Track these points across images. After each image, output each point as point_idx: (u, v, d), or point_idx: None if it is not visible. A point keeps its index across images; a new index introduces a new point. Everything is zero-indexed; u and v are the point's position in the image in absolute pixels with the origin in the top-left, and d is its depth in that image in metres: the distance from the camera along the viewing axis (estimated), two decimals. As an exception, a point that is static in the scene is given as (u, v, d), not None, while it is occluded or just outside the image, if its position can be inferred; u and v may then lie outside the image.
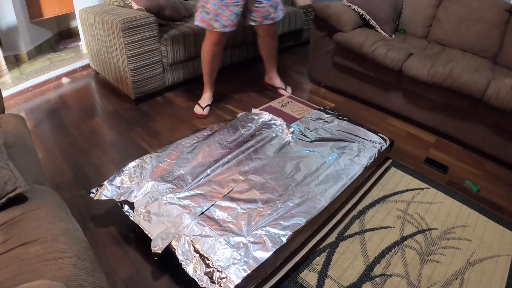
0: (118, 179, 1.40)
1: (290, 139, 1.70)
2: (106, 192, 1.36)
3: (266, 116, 1.86)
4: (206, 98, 2.27)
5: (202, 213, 1.26)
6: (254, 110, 1.95)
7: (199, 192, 1.35)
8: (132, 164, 1.47)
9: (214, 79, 2.27)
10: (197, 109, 2.21)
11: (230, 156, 1.54)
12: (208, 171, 1.45)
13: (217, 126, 1.77)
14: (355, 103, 2.52)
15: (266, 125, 1.79)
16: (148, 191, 1.34)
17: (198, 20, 1.97)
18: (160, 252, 1.14)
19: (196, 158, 1.53)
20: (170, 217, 1.24)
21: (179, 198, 1.32)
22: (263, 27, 2.17)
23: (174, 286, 1.23)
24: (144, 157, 1.52)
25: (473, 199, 1.72)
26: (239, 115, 1.89)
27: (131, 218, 1.29)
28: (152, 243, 1.16)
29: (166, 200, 1.30)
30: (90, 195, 1.38)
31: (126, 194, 1.34)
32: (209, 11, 1.90)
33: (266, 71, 2.52)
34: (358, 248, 1.40)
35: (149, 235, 1.20)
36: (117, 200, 1.34)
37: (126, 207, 1.33)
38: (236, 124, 1.78)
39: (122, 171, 1.43)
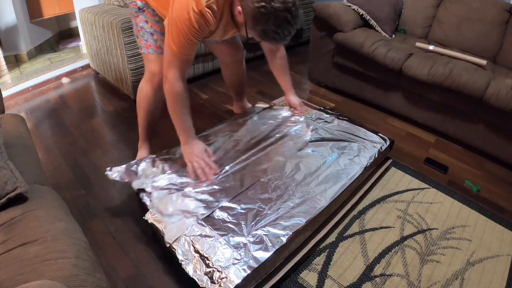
0: (138, 166, 1.42)
1: (311, 138, 1.70)
2: (123, 176, 1.37)
3: (286, 112, 1.83)
4: (143, 155, 1.67)
5: (217, 208, 1.28)
6: (273, 101, 1.97)
7: (217, 187, 1.36)
8: (152, 155, 1.49)
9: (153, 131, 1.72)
10: None
11: (249, 154, 1.54)
12: (227, 167, 1.46)
13: (236, 121, 1.76)
14: (355, 103, 2.52)
15: (287, 122, 1.78)
16: (168, 183, 1.36)
17: (143, 46, 1.48)
18: (171, 242, 1.15)
19: (217, 153, 1.54)
20: (186, 209, 1.25)
21: (197, 192, 1.33)
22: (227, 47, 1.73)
23: (174, 286, 1.23)
24: (167, 150, 1.54)
25: (473, 199, 1.72)
26: (256, 106, 1.90)
27: (148, 206, 1.29)
28: (167, 234, 1.17)
29: (185, 193, 1.32)
30: (106, 173, 1.37)
31: (144, 183, 1.35)
32: (153, 31, 1.45)
33: (237, 100, 2.06)
34: (358, 248, 1.40)
35: (163, 226, 1.21)
36: (135, 187, 1.35)
37: (143, 195, 1.33)
38: (257, 121, 1.77)
39: (143, 160, 1.45)
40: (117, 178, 1.36)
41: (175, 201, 1.28)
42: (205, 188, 1.35)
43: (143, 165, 1.43)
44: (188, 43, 1.22)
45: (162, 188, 1.33)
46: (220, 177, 1.41)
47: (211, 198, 1.31)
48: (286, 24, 1.10)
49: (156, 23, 1.45)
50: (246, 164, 1.49)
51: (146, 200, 1.31)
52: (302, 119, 1.79)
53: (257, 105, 1.94)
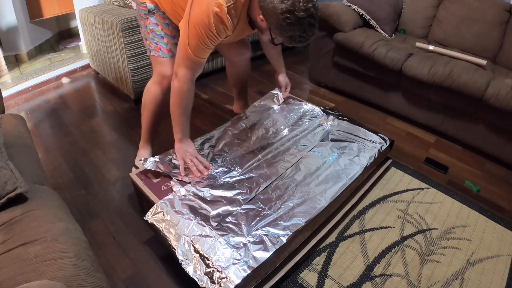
0: (172, 157, 1.47)
1: (330, 128, 1.79)
2: (160, 166, 1.42)
3: (306, 106, 1.93)
4: (145, 155, 1.70)
5: (253, 197, 1.34)
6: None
7: (252, 175, 1.44)
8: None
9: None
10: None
11: (278, 143, 1.63)
12: (260, 156, 1.55)
13: (258, 114, 1.84)
14: (355, 103, 2.52)
15: (308, 115, 1.87)
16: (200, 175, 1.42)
17: (153, 49, 1.47)
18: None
19: (245, 144, 1.62)
20: (226, 196, 1.33)
21: (235, 181, 1.40)
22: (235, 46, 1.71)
23: (174, 286, 1.23)
24: (194, 141, 1.59)
25: (473, 199, 1.72)
26: (275, 93, 1.96)
27: (187, 195, 1.32)
28: (211, 218, 1.24)
29: (223, 181, 1.39)
30: (142, 163, 1.41)
31: (180, 175, 1.40)
32: (163, 34, 1.44)
33: (238, 99, 2.07)
34: (358, 248, 1.40)
35: (207, 210, 1.27)
36: (173, 176, 1.40)
37: (179, 185, 1.37)
38: (277, 115, 1.85)
39: (174, 152, 1.49)
40: (153, 168, 1.41)
41: (212, 189, 1.36)
42: (242, 177, 1.43)
43: (175, 156, 1.48)
44: (204, 46, 1.22)
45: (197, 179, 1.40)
46: (254, 164, 1.50)
47: (249, 185, 1.39)
48: (310, 27, 1.12)
49: (166, 26, 1.44)
50: (277, 152, 1.59)
51: (180, 189, 1.35)
52: (320, 113, 1.89)
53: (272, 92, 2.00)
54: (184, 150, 1.44)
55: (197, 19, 1.16)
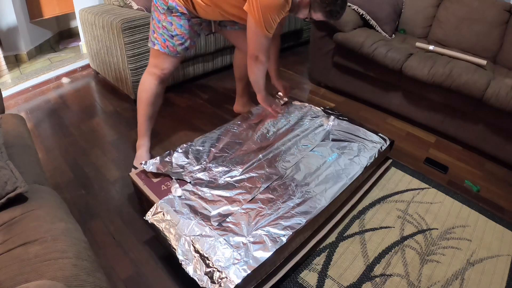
0: (172, 157, 1.49)
1: (331, 128, 1.80)
2: (160, 167, 1.43)
3: (306, 106, 1.95)
4: (143, 154, 1.71)
5: (254, 198, 1.35)
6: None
7: (253, 174, 1.45)
8: (184, 145, 1.56)
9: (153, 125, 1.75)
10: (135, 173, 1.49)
11: (279, 143, 1.64)
12: (260, 155, 1.54)
13: (258, 117, 1.86)
14: (355, 103, 2.52)
15: (308, 115, 1.88)
16: (204, 173, 1.43)
17: (159, 44, 1.51)
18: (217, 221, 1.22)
19: (246, 144, 1.62)
20: (227, 195, 1.33)
21: (235, 180, 1.41)
22: (236, 33, 1.74)
23: (174, 286, 1.23)
24: (195, 140, 1.60)
25: (473, 199, 1.72)
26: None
27: (187, 195, 1.32)
28: (212, 218, 1.24)
29: (224, 180, 1.40)
30: (143, 166, 1.42)
31: (182, 173, 1.42)
32: (174, 34, 1.50)
33: (241, 95, 2.12)
34: (358, 248, 1.40)
35: (208, 210, 1.27)
36: (174, 177, 1.40)
37: (176, 185, 1.37)
38: (278, 115, 1.86)
39: (175, 151, 1.52)
40: (154, 170, 1.41)
41: (214, 188, 1.37)
42: (243, 176, 1.43)
43: (175, 155, 1.50)
44: (274, 23, 1.37)
45: (200, 177, 1.41)
46: (255, 164, 1.50)
47: (249, 185, 1.39)
48: (344, 4, 1.37)
49: (179, 27, 1.48)
50: (277, 153, 1.59)
51: (179, 189, 1.35)
52: (321, 113, 1.90)
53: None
54: (268, 99, 1.75)
55: (269, 2, 1.30)
